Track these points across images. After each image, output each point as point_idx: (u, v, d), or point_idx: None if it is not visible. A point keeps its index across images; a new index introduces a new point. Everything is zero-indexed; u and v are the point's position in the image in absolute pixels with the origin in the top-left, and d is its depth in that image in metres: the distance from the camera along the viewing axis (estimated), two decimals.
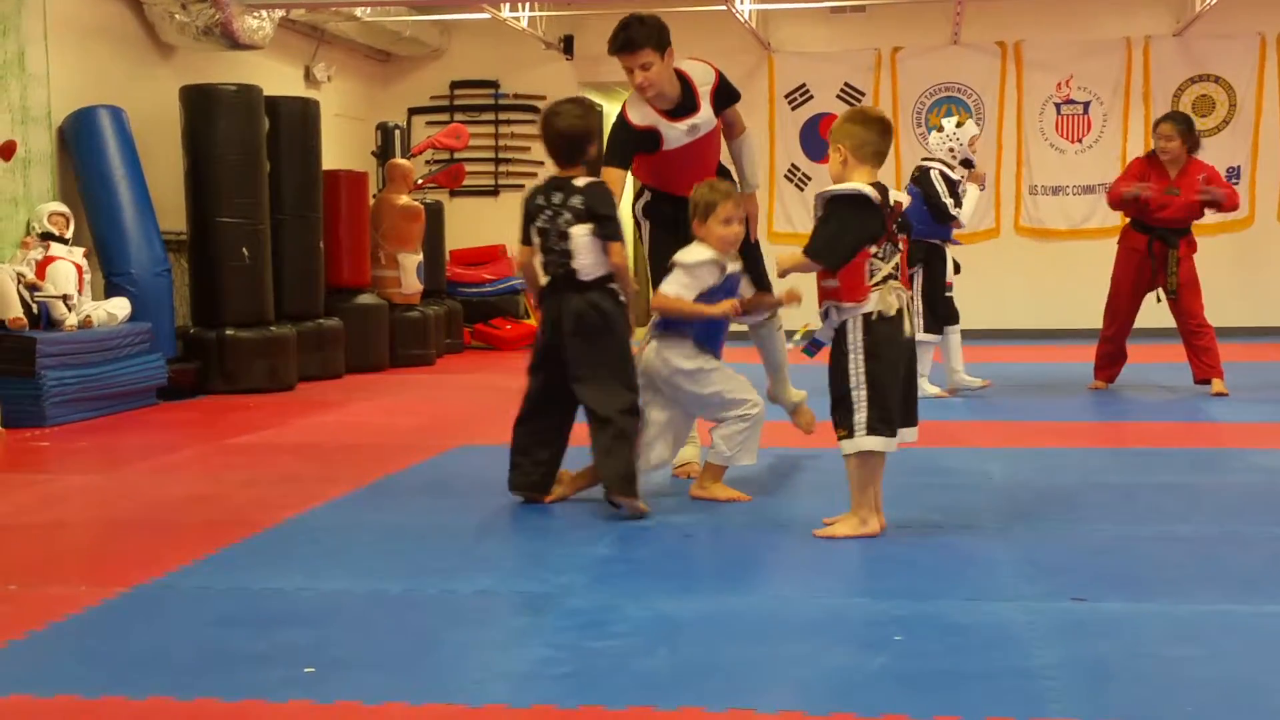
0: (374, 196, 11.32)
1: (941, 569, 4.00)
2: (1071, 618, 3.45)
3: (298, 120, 9.82)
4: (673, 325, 5.03)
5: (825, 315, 4.39)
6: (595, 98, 14.01)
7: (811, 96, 13.20)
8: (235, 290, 9.07)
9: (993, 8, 12.51)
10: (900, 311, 4.32)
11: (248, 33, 9.52)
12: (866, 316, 4.29)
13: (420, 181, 12.09)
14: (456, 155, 12.90)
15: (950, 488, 5.30)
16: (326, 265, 10.14)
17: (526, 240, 4.90)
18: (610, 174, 5.18)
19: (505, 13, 11.55)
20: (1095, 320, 8.60)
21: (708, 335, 5.07)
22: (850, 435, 4.33)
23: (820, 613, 3.56)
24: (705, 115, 5.31)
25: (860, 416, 4.30)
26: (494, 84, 13.51)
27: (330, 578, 3.99)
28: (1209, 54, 12.72)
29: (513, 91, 13.48)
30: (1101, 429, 7.16)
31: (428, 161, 12.97)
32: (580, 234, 4.72)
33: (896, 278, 4.33)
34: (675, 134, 5.28)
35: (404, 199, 11.17)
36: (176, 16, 9.18)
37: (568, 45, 13.09)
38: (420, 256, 11.31)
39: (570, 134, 4.82)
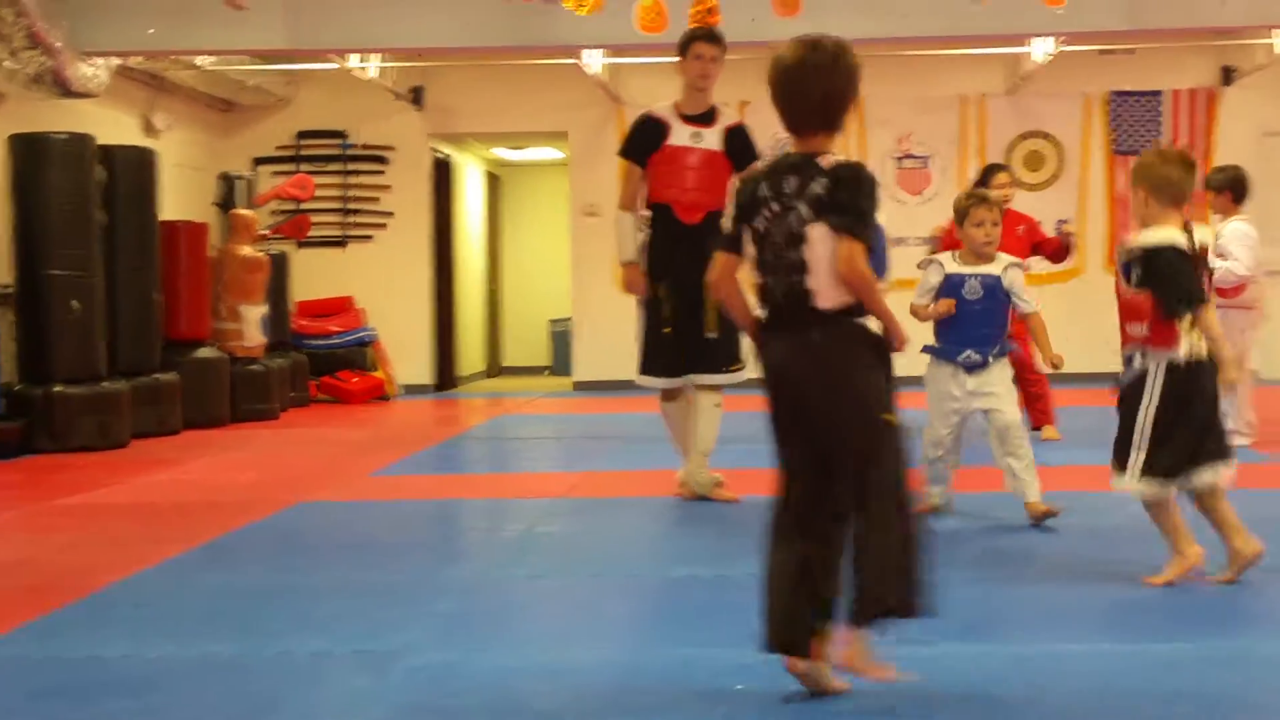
0: (216, 248, 11.08)
1: None
2: (908, 661, 3.47)
3: (134, 170, 9.56)
4: None
5: (1129, 360, 4.35)
6: (446, 149, 14.01)
7: None
8: (64, 344, 8.74)
9: None
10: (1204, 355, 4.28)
11: (81, 80, 9.24)
12: (1171, 362, 4.25)
13: (265, 232, 11.86)
14: (302, 206, 12.69)
15: None
16: (165, 318, 9.87)
17: (728, 245, 3.29)
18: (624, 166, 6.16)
19: (353, 63, 11.44)
20: None
21: None
22: (1121, 474, 4.33)
23: (666, 663, 3.54)
24: (712, 134, 6.09)
25: (1139, 457, 4.28)
26: (342, 134, 13.33)
27: (156, 643, 3.83)
28: (1039, 112, 13.19)
29: (361, 142, 13.33)
30: None
31: (273, 212, 12.73)
32: (820, 236, 3.14)
33: None
34: (680, 133, 6.06)
35: (246, 250, 10.95)
36: (5, 63, 8.85)
37: (417, 96, 13.03)
38: (264, 308, 11.08)
39: (831, 84, 3.19)
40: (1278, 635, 3.76)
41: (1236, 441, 7.54)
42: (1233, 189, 7.60)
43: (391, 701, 3.26)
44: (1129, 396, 4.32)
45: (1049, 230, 8.75)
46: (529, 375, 16.21)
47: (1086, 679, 3.38)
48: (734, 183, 3.54)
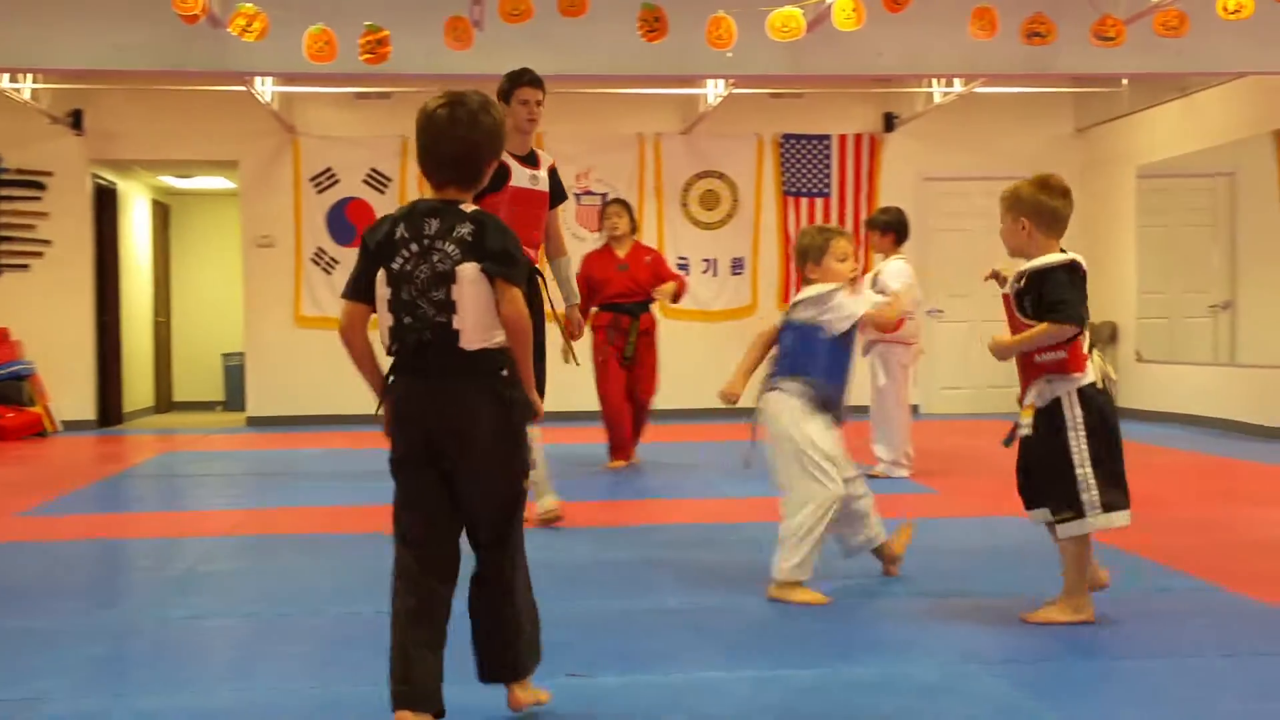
0: None
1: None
2: (567, 694, 3.53)
3: None
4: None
5: (1040, 394, 4.19)
6: (110, 175, 13.39)
7: (338, 180, 13.11)
8: None
9: None
10: (1107, 380, 4.24)
11: None
12: (1083, 389, 4.15)
13: None
14: None
15: None
16: None
17: (357, 293, 3.20)
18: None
19: (4, 83, 10.80)
20: None
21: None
22: (1081, 515, 4.13)
23: (318, 704, 3.49)
24: (543, 176, 6.26)
25: (1092, 495, 4.12)
26: None
27: None
28: (713, 152, 13.66)
29: (15, 166, 12.59)
30: (610, 507, 7.39)
31: None
32: (470, 275, 3.13)
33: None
34: (521, 175, 6.13)
35: None
36: None
37: (76, 120, 12.40)
38: None
39: (469, 142, 3.18)
40: (920, 660, 3.95)
41: (896, 473, 8.03)
42: (896, 230, 8.08)
43: None
44: (1045, 431, 4.19)
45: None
46: (201, 410, 15.64)
47: (735, 704, 3.51)
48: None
